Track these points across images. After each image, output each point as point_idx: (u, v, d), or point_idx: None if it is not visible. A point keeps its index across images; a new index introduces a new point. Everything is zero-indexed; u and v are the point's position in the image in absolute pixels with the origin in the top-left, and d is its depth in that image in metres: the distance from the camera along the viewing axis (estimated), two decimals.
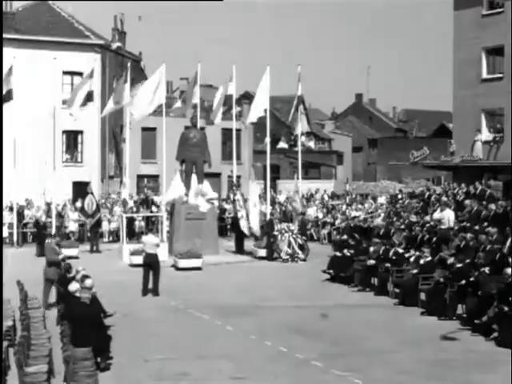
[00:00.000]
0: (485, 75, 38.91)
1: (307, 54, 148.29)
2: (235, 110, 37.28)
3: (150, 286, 23.31)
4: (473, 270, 19.69)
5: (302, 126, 36.95)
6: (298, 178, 37.21)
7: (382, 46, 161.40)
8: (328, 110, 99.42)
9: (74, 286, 15.77)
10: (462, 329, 18.31)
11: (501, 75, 37.95)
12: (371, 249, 25.17)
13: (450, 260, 21.50)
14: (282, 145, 66.74)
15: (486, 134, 38.81)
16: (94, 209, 35.89)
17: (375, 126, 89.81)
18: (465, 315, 19.10)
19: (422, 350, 16.35)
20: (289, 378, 14.24)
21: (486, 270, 19.69)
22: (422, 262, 22.04)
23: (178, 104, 38.40)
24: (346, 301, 22.63)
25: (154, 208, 41.09)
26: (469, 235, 23.27)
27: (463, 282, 19.25)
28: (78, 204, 41.04)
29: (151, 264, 23.36)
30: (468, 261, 20.55)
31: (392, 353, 16.10)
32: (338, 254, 26.98)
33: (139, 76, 49.78)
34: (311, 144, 72.05)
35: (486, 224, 25.52)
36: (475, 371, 14.70)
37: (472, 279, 19.15)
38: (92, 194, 36.72)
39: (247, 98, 57.87)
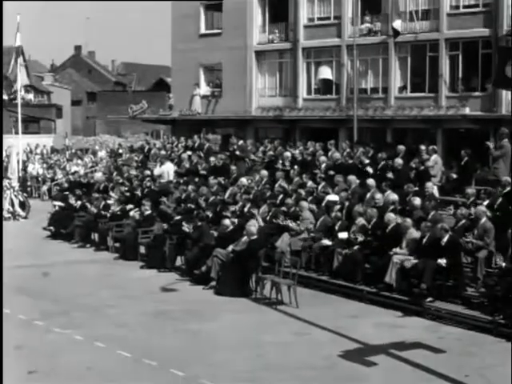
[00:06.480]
0: (203, 30, 39.47)
1: (22, 4, 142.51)
2: None
3: None
4: (196, 219, 20.15)
5: (21, 79, 35.51)
6: (17, 133, 35.88)
7: None
8: (47, 62, 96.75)
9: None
10: (181, 280, 18.75)
11: (219, 31, 38.65)
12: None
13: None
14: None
15: (204, 89, 39.55)
16: None
17: (94, 79, 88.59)
18: (183, 266, 19.57)
19: (142, 303, 16.53)
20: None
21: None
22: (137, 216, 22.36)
23: None
24: (67, 257, 22.24)
25: None
26: (190, 187, 23.79)
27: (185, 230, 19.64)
28: None
29: None
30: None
31: (113, 307, 16.13)
32: (60, 203, 26.61)
33: None
34: (30, 97, 69.74)
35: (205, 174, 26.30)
36: (195, 320, 15.13)
37: (188, 230, 19.66)
38: None
39: None
